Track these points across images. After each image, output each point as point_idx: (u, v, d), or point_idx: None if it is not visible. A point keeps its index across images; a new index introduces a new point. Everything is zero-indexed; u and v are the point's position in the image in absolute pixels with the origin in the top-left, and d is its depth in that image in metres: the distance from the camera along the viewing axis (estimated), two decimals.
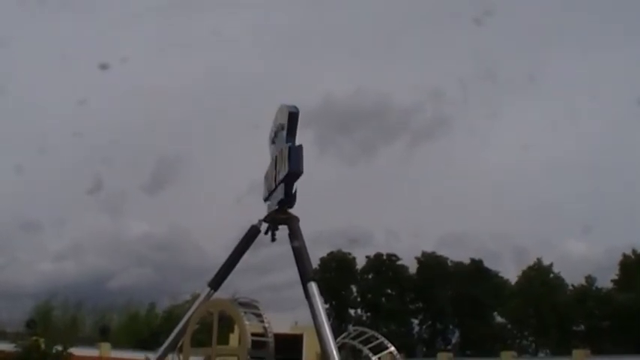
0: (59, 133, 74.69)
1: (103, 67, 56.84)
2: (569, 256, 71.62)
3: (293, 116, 20.29)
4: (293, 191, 20.38)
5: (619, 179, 70.62)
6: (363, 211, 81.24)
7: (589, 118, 77.39)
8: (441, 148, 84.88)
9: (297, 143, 20.15)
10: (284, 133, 20.55)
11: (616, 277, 57.84)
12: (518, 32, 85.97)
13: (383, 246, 69.04)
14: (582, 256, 70.26)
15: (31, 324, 44.70)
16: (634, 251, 57.01)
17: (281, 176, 20.38)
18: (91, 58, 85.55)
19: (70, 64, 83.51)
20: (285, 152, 20.01)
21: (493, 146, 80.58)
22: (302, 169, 19.92)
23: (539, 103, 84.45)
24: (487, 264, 64.96)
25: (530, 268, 61.81)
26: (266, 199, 22.07)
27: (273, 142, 21.95)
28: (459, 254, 66.31)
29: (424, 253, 65.80)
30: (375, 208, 79.91)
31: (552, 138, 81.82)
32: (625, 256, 57.30)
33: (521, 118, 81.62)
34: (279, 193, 20.53)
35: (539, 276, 60.75)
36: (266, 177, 22.29)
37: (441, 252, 66.59)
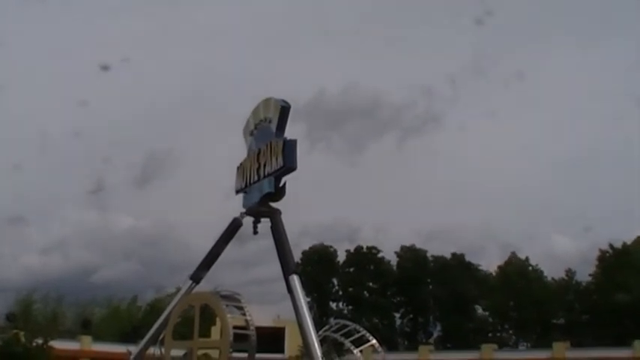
0: (47, 128, 74.49)
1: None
2: (555, 251, 72.40)
3: (284, 111, 20.22)
4: (281, 185, 20.38)
5: (606, 175, 71.59)
6: (351, 205, 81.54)
7: (579, 114, 78.67)
8: (431, 144, 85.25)
9: (286, 137, 20.14)
10: (272, 126, 20.45)
11: (594, 272, 58.08)
12: (509, 28, 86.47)
13: (371, 240, 68.89)
14: (568, 251, 71.03)
15: (10, 317, 44.46)
16: (611, 246, 57.41)
17: (270, 169, 20.25)
18: (80, 51, 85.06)
19: (60, 60, 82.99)
20: (279, 146, 19.87)
21: (482, 142, 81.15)
22: (296, 164, 19.89)
23: (529, 99, 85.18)
24: (473, 258, 65.30)
25: (506, 262, 62.31)
26: (240, 191, 21.95)
27: (251, 133, 21.85)
28: (445, 249, 66.42)
29: (403, 247, 66.00)
30: (362, 203, 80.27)
31: (541, 134, 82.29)
32: (601, 251, 57.68)
33: (511, 115, 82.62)
34: (266, 186, 20.45)
35: (516, 269, 61.18)
36: (241, 168, 22.11)
37: (428, 246, 66.75)
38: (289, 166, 19.82)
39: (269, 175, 20.33)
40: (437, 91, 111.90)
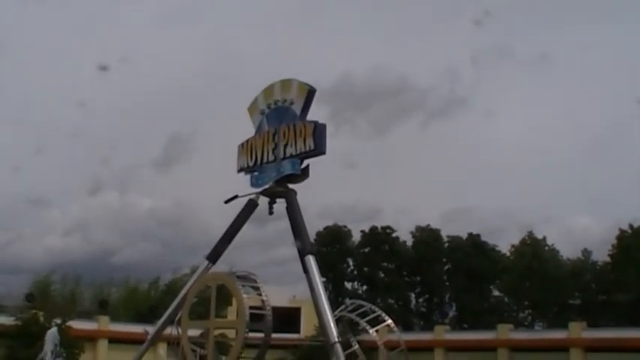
0: (68, 109, 74.79)
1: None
2: (575, 233, 72.36)
3: (310, 94, 20.45)
4: (303, 167, 20.51)
5: (628, 155, 71.06)
6: (372, 186, 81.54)
7: (599, 96, 77.79)
8: (455, 126, 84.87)
9: (317, 121, 20.31)
10: (293, 108, 20.60)
11: (611, 252, 57.58)
12: (534, 9, 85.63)
13: (392, 221, 68.57)
14: (587, 233, 71.02)
15: (29, 298, 44.88)
16: (631, 226, 56.85)
17: (294, 151, 20.36)
18: (88, 37, 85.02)
19: (68, 44, 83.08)
20: (307, 129, 20.09)
21: (504, 125, 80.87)
22: (326, 148, 20.04)
23: (550, 81, 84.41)
24: (492, 239, 65.11)
25: (523, 241, 62.03)
26: (245, 170, 21.90)
27: (262, 112, 21.82)
28: (465, 230, 66.23)
29: (418, 228, 65.91)
30: (384, 185, 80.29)
31: (563, 115, 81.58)
32: (621, 230, 57.16)
33: (532, 97, 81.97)
34: (288, 167, 20.54)
35: (532, 249, 60.90)
36: (247, 146, 22.01)
37: (448, 228, 67.06)
38: (319, 150, 20.04)
39: (293, 156, 20.37)
40: (462, 74, 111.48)
